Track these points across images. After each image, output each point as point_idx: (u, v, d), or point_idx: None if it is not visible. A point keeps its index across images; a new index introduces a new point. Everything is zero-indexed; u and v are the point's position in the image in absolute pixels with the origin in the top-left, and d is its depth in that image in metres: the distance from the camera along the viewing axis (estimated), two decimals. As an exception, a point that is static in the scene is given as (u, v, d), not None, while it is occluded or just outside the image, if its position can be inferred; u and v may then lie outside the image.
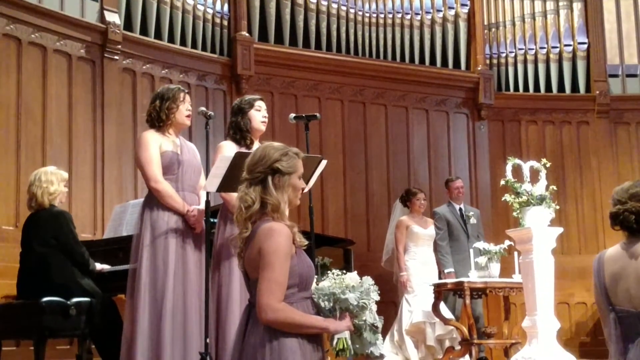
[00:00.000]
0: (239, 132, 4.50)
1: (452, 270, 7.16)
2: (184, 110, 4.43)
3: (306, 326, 2.60)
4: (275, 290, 2.56)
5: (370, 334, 2.68)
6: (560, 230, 6.38)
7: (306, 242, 2.72)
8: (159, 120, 4.38)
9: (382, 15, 8.81)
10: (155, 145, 4.33)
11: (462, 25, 9.10)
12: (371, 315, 2.66)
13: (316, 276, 2.74)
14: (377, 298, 2.71)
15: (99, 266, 5.04)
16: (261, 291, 2.57)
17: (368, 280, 2.70)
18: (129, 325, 4.23)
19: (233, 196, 4.30)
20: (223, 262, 4.32)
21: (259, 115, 4.54)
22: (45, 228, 4.82)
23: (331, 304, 2.63)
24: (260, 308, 2.57)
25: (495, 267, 6.56)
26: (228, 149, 4.38)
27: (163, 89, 4.48)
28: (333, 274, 2.70)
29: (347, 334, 2.73)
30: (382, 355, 6.28)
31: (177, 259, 4.25)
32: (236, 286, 4.26)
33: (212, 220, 4.41)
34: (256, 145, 4.53)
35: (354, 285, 2.65)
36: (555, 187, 6.37)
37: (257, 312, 2.59)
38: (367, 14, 8.73)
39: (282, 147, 2.76)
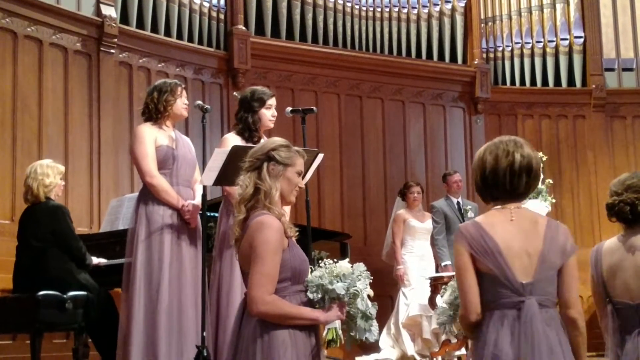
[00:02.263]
0: (248, 130, 4.48)
1: (449, 262, 7.17)
2: (181, 103, 4.44)
3: (297, 317, 2.62)
4: (266, 283, 2.58)
5: (363, 321, 2.69)
6: (556, 223, 6.40)
7: (296, 231, 2.74)
8: (156, 111, 4.38)
9: (379, 9, 8.81)
10: (151, 139, 4.32)
11: (459, 19, 9.10)
12: (363, 303, 2.67)
13: (311, 267, 2.75)
14: (368, 288, 2.70)
15: (95, 260, 5.03)
16: (252, 284, 2.60)
17: (359, 267, 2.71)
18: (125, 318, 4.23)
19: (235, 188, 4.30)
20: (225, 253, 4.32)
21: (269, 114, 4.52)
22: (42, 222, 4.81)
23: (320, 295, 2.64)
24: (250, 301, 2.60)
25: (491, 261, 6.57)
26: (232, 143, 4.37)
27: (160, 82, 4.49)
28: (325, 263, 2.71)
29: (337, 324, 2.75)
30: (377, 343, 6.29)
31: (173, 254, 4.25)
32: (238, 277, 4.25)
33: (208, 214, 4.40)
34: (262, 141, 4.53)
35: (344, 274, 2.66)
36: (551, 181, 6.39)
37: (248, 305, 2.62)
38: (364, 8, 8.73)
39: (284, 141, 2.80)
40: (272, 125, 4.57)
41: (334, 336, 2.82)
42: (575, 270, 2.50)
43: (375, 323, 2.75)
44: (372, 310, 2.72)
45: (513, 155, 2.52)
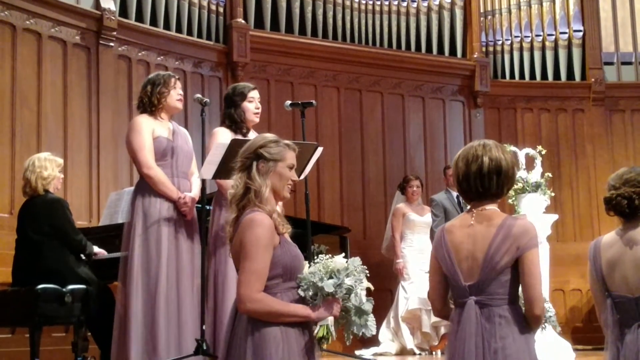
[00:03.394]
0: (234, 123, 4.50)
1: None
2: (175, 95, 4.42)
3: (287, 315, 2.61)
4: (254, 281, 2.58)
5: (357, 317, 2.68)
6: (555, 217, 6.41)
7: (290, 227, 2.73)
8: (150, 104, 4.38)
9: (379, 3, 8.79)
10: (148, 130, 4.31)
11: (458, 13, 9.09)
12: (357, 299, 2.65)
13: (307, 262, 2.74)
14: (364, 283, 2.69)
15: (96, 249, 5.02)
16: (240, 282, 2.60)
17: (354, 262, 2.70)
18: (122, 312, 4.23)
19: (229, 182, 4.30)
20: (218, 249, 4.32)
21: (252, 107, 4.53)
22: (40, 215, 4.80)
23: (311, 292, 2.63)
24: (239, 299, 2.60)
25: (490, 254, 6.57)
26: (222, 136, 4.38)
27: (154, 75, 4.50)
28: (320, 259, 2.69)
29: (329, 321, 2.73)
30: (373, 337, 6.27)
31: (170, 247, 4.25)
32: (232, 273, 4.25)
33: (207, 207, 4.40)
34: (252, 133, 4.54)
35: (338, 269, 2.65)
36: (550, 175, 6.39)
37: (237, 303, 2.62)
38: (364, 1, 8.70)
39: (272, 136, 2.80)
40: (257, 120, 4.57)
41: (325, 333, 2.81)
42: (534, 267, 2.56)
43: (371, 318, 2.73)
44: (367, 305, 2.70)
45: (481, 159, 2.65)
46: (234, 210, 2.70)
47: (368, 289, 2.74)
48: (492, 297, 2.56)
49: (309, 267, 2.70)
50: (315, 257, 2.73)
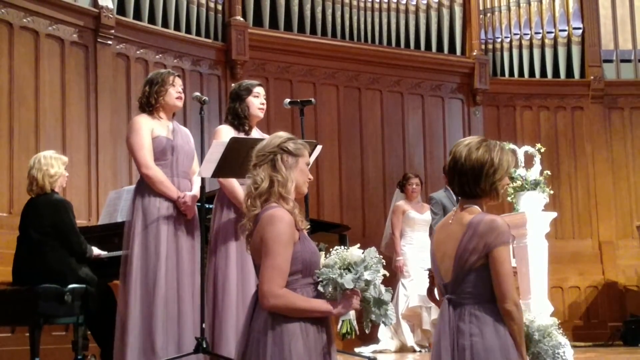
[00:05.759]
0: (237, 118, 4.49)
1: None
2: (174, 92, 4.41)
3: (309, 310, 2.63)
4: (277, 277, 2.59)
5: (376, 308, 2.68)
6: (554, 215, 6.39)
7: (308, 225, 2.74)
8: (148, 104, 4.38)
9: (378, 0, 8.78)
10: (147, 129, 4.32)
11: (458, 10, 9.08)
12: (375, 290, 2.66)
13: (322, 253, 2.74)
14: (381, 272, 2.69)
15: (96, 251, 5.02)
16: (263, 278, 2.61)
17: (371, 253, 2.70)
18: (123, 310, 4.24)
19: (230, 181, 4.30)
20: (219, 247, 4.32)
21: (257, 102, 4.53)
22: (43, 215, 4.79)
23: (330, 288, 2.63)
24: (261, 295, 2.61)
25: (490, 252, 6.57)
26: (225, 134, 4.37)
27: (153, 74, 4.50)
28: (336, 251, 2.69)
29: (351, 315, 2.74)
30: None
31: (169, 246, 4.25)
32: (232, 271, 4.26)
33: (207, 206, 4.40)
34: (254, 131, 4.53)
35: (355, 262, 2.65)
36: (549, 172, 6.38)
37: (259, 299, 2.62)
38: (362, -1, 8.71)
39: (289, 134, 2.82)
40: (261, 115, 4.56)
41: (349, 329, 2.82)
42: (500, 265, 2.57)
43: (391, 307, 2.74)
44: (386, 296, 2.71)
45: (458, 156, 2.67)
46: (257, 207, 2.68)
47: (383, 276, 2.73)
48: (463, 295, 2.61)
49: (324, 259, 2.70)
50: (331, 250, 2.72)
